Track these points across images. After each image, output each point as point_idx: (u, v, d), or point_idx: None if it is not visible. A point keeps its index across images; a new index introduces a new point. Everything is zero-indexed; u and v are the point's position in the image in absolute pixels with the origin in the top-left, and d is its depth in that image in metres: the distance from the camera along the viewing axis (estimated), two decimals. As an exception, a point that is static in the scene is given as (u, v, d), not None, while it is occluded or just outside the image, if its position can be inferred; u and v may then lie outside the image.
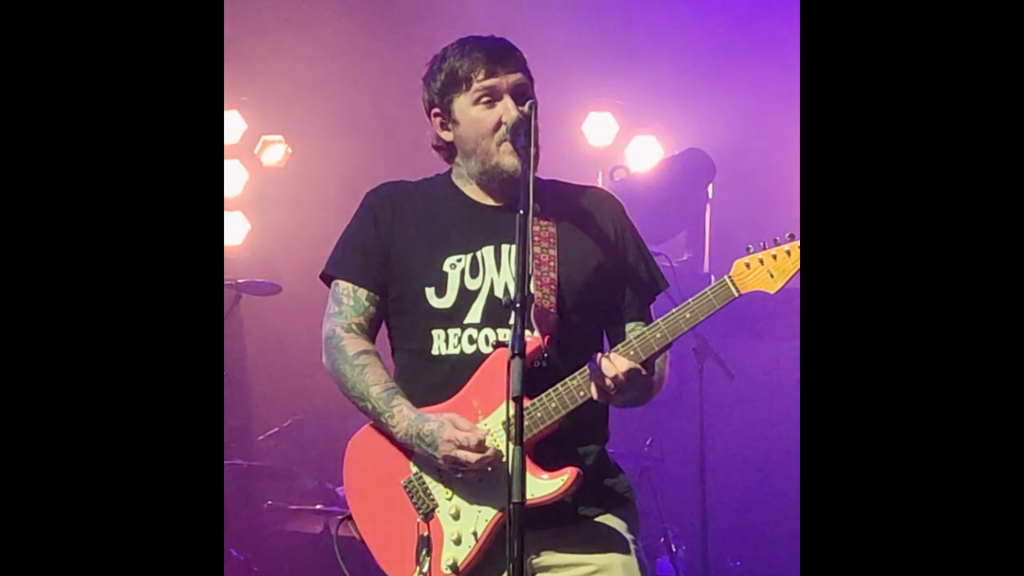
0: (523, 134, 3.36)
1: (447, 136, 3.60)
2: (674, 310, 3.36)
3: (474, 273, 3.51)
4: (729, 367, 7.28)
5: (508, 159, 3.47)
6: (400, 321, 3.60)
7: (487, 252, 3.52)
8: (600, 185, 8.13)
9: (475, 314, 3.47)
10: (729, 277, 3.37)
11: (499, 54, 3.52)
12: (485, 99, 3.49)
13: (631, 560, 3.47)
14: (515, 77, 3.50)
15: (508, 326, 3.38)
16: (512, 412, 2.95)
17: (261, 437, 7.61)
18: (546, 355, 3.30)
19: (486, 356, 3.44)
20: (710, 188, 8.17)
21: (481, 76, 3.49)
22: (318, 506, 6.98)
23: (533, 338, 3.35)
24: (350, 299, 3.59)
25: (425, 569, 3.36)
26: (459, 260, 3.52)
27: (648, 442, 7.36)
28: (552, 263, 3.49)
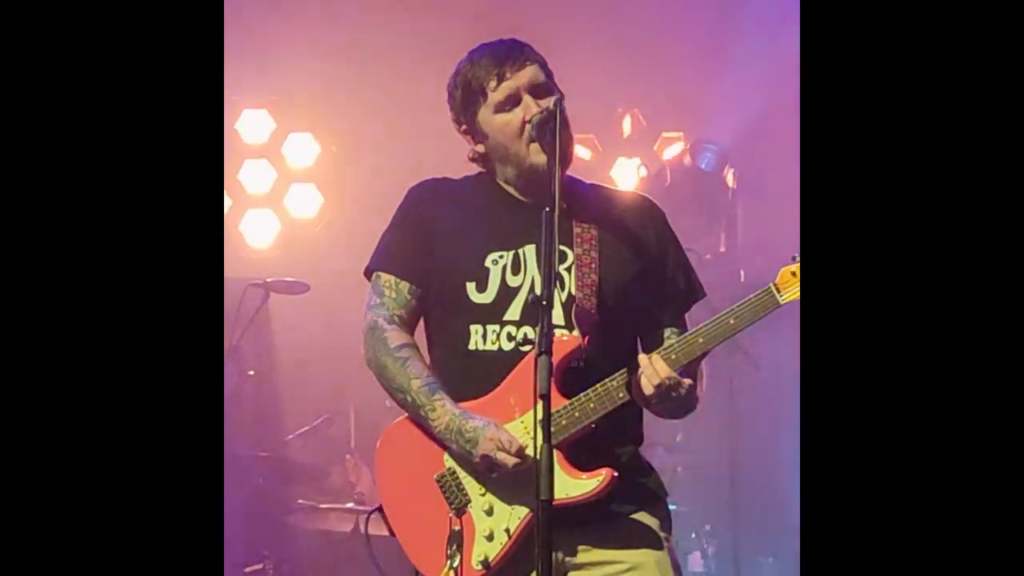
0: (549, 131, 3.34)
1: (481, 149, 3.59)
2: (717, 316, 3.33)
3: (516, 270, 3.50)
4: (758, 361, 7.25)
5: (540, 157, 3.42)
6: (439, 315, 3.59)
7: (529, 250, 3.51)
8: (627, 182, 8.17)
9: (515, 311, 3.46)
10: (774, 285, 3.33)
11: (507, 56, 3.50)
12: (505, 105, 3.48)
13: (664, 557, 3.47)
14: (528, 74, 3.48)
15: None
16: (540, 409, 2.92)
17: (291, 436, 7.63)
18: (585, 355, 3.27)
19: (525, 354, 3.41)
20: (730, 177, 8.15)
21: (493, 84, 3.48)
22: (349, 504, 6.99)
23: (572, 337, 3.35)
24: (392, 291, 3.58)
25: (455, 564, 3.34)
26: (501, 256, 3.51)
27: (677, 438, 7.35)
28: (593, 265, 3.48)
